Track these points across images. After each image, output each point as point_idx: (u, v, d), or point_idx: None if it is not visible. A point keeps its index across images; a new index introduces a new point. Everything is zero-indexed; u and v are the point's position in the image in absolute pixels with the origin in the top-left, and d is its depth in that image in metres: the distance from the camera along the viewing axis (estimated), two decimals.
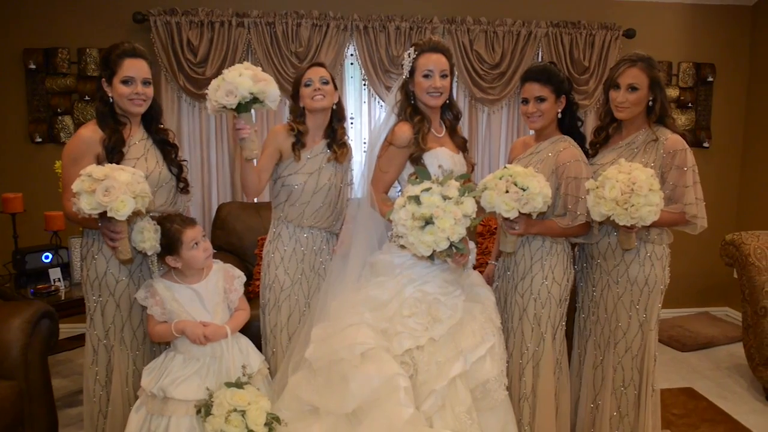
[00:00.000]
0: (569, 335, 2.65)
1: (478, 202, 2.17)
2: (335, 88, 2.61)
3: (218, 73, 4.03)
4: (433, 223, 2.01)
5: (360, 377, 2.05)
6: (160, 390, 2.18)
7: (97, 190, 1.97)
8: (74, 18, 4.18)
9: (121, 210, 1.99)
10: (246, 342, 2.41)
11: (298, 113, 2.61)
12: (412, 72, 2.39)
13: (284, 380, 2.33)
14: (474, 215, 2.08)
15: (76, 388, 3.44)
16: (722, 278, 4.82)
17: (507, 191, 2.13)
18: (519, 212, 2.16)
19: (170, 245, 2.27)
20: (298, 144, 2.56)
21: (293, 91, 2.62)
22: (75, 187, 2.00)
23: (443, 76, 2.36)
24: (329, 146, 2.61)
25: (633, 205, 2.10)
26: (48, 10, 4.15)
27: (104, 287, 2.33)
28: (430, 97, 2.37)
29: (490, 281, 2.64)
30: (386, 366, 2.06)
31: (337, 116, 2.65)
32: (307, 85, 2.54)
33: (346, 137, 2.69)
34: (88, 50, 4.15)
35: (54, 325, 2.70)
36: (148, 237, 2.22)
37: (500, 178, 2.17)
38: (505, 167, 2.22)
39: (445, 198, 2.04)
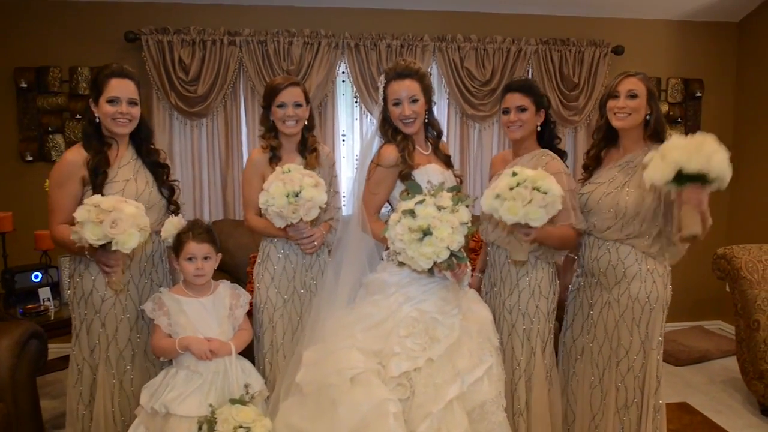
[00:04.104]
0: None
1: (489, 212, 2.12)
2: (308, 102, 2.57)
3: (210, 90, 4.15)
4: (431, 233, 1.98)
5: (349, 402, 2.01)
6: (162, 406, 2.17)
7: (104, 221, 2.00)
8: (66, 37, 4.18)
9: (128, 243, 2.04)
10: (249, 364, 2.40)
11: (269, 126, 2.58)
12: (385, 100, 2.39)
13: (276, 406, 2.28)
14: (470, 223, 2.04)
15: (66, 409, 3.39)
16: (714, 292, 4.82)
17: (531, 200, 2.03)
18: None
19: (175, 247, 2.34)
20: (275, 158, 2.54)
21: (264, 103, 2.56)
22: (79, 216, 2.03)
23: (414, 101, 2.34)
24: (303, 156, 2.59)
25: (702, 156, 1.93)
26: (39, 29, 4.15)
27: (90, 305, 2.32)
28: (403, 125, 2.36)
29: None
30: (375, 391, 2.02)
31: (307, 127, 2.61)
32: (279, 107, 2.50)
33: (316, 144, 2.64)
34: (79, 69, 4.15)
35: (43, 345, 2.67)
36: (169, 229, 2.33)
37: (517, 186, 2.06)
38: (513, 173, 2.09)
39: (439, 208, 2.01)
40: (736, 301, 3.52)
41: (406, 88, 2.33)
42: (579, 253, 2.58)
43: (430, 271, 2.09)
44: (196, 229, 2.35)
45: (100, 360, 2.33)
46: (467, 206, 2.05)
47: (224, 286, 2.43)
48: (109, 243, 2.03)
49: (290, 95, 2.49)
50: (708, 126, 4.89)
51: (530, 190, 2.02)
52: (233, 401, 2.16)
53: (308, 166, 2.52)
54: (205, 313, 2.32)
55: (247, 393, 2.22)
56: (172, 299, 2.31)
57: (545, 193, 2.02)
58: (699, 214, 2.04)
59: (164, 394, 2.19)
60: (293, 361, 2.35)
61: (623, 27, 4.70)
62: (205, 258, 2.33)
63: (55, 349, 3.70)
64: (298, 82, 2.58)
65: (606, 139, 2.51)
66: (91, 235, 2.01)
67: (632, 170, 2.38)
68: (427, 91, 2.40)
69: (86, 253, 2.13)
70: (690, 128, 4.87)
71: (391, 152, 2.34)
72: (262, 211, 2.39)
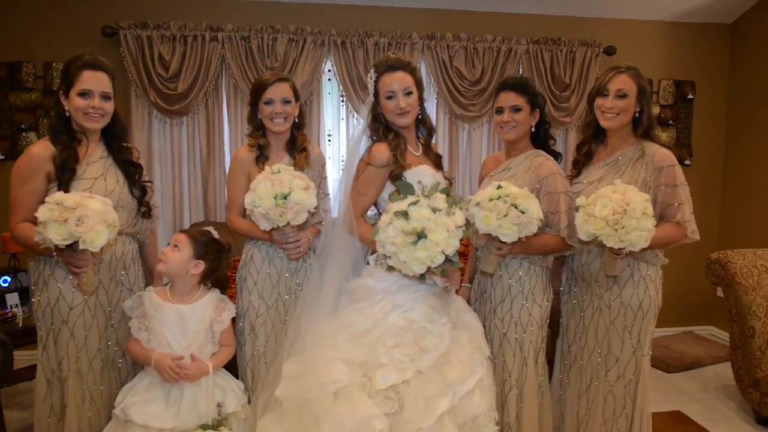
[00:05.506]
0: (549, 360, 2.55)
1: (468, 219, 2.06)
2: (297, 99, 2.48)
3: (191, 88, 4.01)
4: (425, 237, 1.88)
5: (332, 419, 1.89)
6: (122, 410, 2.08)
7: (69, 219, 1.87)
8: (40, 31, 4.03)
9: (96, 241, 1.91)
10: (230, 381, 2.27)
11: (256, 124, 2.48)
12: (376, 94, 2.31)
13: (254, 421, 2.17)
14: (464, 227, 1.97)
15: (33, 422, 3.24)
16: (705, 297, 4.78)
17: (506, 214, 2.02)
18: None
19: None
20: (262, 157, 2.44)
21: (252, 100, 2.48)
22: (42, 215, 1.90)
23: (407, 94, 2.27)
24: (291, 156, 2.50)
25: (623, 227, 2.00)
26: (13, 22, 3.99)
27: (57, 315, 2.18)
28: (398, 117, 2.28)
29: None
30: (360, 406, 1.91)
31: (296, 125, 2.52)
32: (266, 104, 2.41)
33: (306, 143, 2.55)
34: (54, 64, 3.99)
35: (7, 355, 2.55)
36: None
37: (497, 198, 2.04)
38: (499, 187, 2.10)
39: (434, 210, 1.92)
40: (731, 307, 3.44)
41: (399, 80, 2.25)
42: (568, 258, 2.49)
43: (422, 277, 1.99)
44: (197, 229, 2.33)
45: (69, 372, 2.19)
46: (461, 209, 1.96)
47: (210, 297, 2.29)
48: (76, 242, 1.91)
49: (278, 91, 2.40)
50: (700, 129, 4.85)
51: (508, 205, 2.03)
52: (204, 427, 2.04)
53: (297, 166, 2.43)
54: (180, 322, 2.19)
55: (219, 415, 2.09)
56: (152, 301, 2.19)
57: (522, 212, 2.03)
58: (617, 261, 2.18)
59: (126, 398, 2.11)
60: (273, 372, 2.23)
61: (615, 27, 4.64)
62: (176, 246, 2.22)
63: (25, 357, 3.54)
64: (286, 77, 2.49)
65: (595, 135, 2.44)
66: (56, 235, 1.88)
67: (620, 168, 2.33)
68: (419, 85, 2.33)
69: (53, 254, 2.00)
70: (681, 131, 4.82)
71: (383, 151, 2.25)
72: (248, 212, 2.29)
